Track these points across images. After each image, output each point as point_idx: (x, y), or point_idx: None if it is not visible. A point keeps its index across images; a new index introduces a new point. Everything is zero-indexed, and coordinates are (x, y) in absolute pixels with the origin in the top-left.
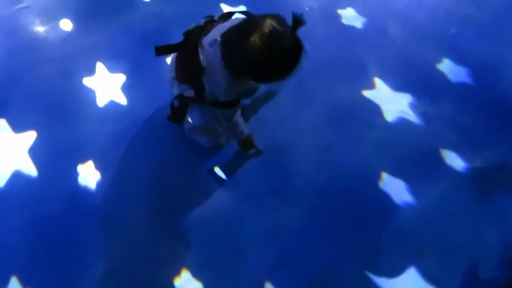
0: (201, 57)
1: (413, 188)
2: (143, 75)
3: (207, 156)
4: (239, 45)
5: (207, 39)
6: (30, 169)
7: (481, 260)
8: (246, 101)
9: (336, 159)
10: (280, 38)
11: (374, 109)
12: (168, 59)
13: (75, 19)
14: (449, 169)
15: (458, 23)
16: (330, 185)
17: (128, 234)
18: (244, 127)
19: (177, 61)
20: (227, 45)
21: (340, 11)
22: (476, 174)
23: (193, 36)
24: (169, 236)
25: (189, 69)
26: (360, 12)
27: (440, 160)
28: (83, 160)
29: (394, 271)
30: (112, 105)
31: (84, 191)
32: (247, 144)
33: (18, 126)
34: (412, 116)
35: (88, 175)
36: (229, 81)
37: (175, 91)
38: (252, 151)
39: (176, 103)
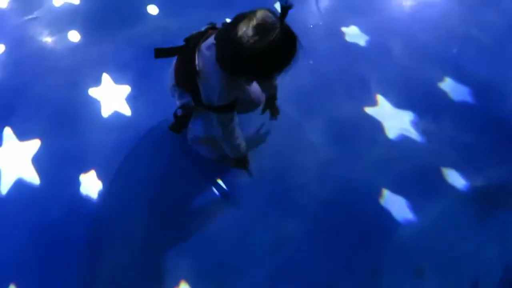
0: (197, 61)
1: (414, 206)
2: (148, 87)
3: (209, 168)
4: (230, 39)
5: (205, 44)
6: (33, 177)
7: (482, 280)
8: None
9: (338, 175)
10: (270, 27)
11: (376, 126)
12: None
13: (83, 31)
14: (450, 187)
15: (461, 43)
16: (331, 201)
17: (128, 245)
18: (242, 142)
19: (176, 66)
20: (219, 42)
21: (344, 29)
22: (477, 193)
23: (193, 41)
24: (169, 248)
25: (186, 73)
26: (364, 30)
27: (441, 178)
28: (85, 169)
29: None
30: (116, 115)
31: (86, 200)
32: (241, 162)
33: (22, 134)
34: (413, 134)
35: (90, 184)
36: (224, 83)
37: (177, 102)
38: (243, 171)
39: (180, 112)
